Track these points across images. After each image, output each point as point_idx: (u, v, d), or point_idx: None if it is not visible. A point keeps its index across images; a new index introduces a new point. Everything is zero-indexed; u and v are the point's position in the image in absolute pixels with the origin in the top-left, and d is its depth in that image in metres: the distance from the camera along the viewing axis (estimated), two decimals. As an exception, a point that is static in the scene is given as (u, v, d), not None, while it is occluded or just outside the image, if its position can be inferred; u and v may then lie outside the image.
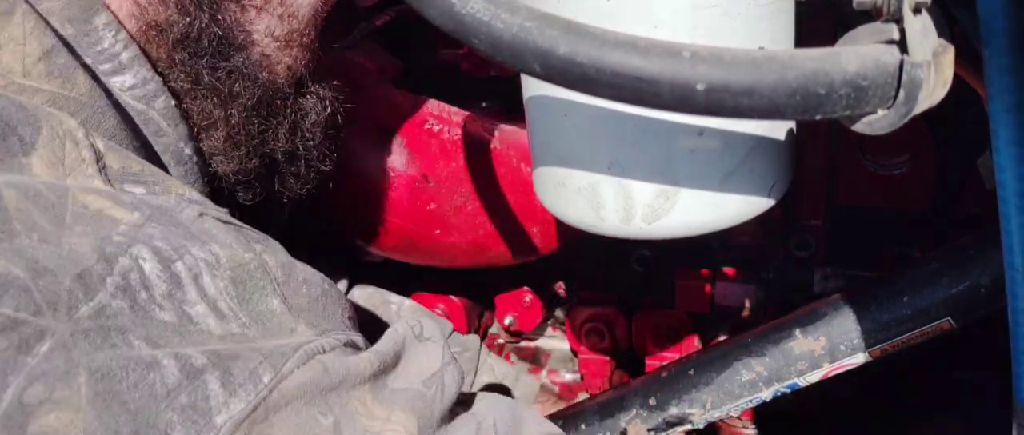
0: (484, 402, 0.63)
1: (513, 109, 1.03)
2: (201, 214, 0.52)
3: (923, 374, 0.99)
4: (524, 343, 1.23)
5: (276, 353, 0.48)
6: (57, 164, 0.49)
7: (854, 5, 0.43)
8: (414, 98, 0.92)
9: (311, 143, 0.71)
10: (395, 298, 1.01)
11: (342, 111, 0.73)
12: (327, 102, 0.71)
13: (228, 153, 0.66)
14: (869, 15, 0.43)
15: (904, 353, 0.69)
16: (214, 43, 0.62)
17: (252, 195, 0.70)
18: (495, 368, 1.03)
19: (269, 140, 0.68)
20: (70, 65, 0.54)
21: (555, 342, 1.23)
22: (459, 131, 0.90)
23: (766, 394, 0.72)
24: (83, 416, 0.41)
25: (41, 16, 0.54)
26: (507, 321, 1.18)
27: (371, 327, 0.99)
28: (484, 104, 1.03)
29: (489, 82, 1.04)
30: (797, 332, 0.70)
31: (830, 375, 0.70)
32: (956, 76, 0.46)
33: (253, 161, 0.67)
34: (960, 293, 0.64)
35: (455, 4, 0.44)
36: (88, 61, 0.56)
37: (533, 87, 0.62)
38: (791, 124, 0.62)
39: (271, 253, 0.53)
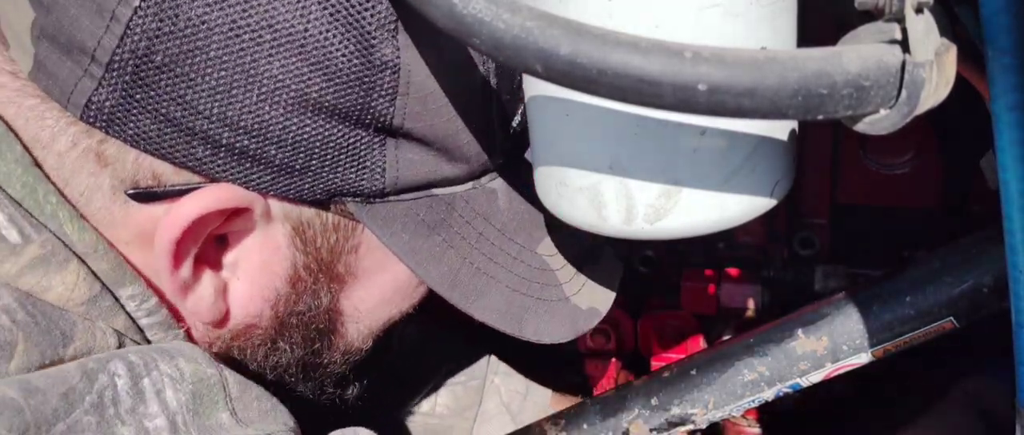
0: None
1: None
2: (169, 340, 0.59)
3: (926, 373, 0.99)
4: (528, 344, 1.23)
5: None
6: (85, 352, 0.53)
7: (856, 5, 0.43)
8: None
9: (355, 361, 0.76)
10: None
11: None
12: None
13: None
14: (870, 15, 0.43)
15: (909, 352, 0.68)
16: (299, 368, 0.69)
17: None
18: (502, 389, 1.02)
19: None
20: (114, 309, 0.58)
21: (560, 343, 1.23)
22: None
23: (768, 394, 0.72)
24: None
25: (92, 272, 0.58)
26: (511, 322, 1.18)
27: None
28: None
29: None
30: (799, 332, 0.70)
31: (833, 375, 0.70)
32: (959, 75, 0.46)
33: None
34: (962, 293, 0.64)
35: (457, 4, 0.44)
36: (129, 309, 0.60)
37: (534, 87, 0.62)
38: (793, 124, 0.62)
39: (231, 372, 0.58)
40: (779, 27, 0.57)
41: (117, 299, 0.58)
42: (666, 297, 1.08)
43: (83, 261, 0.57)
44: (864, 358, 0.69)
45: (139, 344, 0.59)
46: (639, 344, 1.10)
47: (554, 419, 0.82)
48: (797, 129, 0.63)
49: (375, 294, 0.69)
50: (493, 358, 1.05)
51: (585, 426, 0.79)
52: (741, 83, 0.41)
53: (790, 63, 0.41)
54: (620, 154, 0.57)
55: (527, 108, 0.65)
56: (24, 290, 0.54)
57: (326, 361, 0.71)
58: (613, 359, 1.12)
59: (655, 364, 1.08)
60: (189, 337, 0.64)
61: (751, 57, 0.41)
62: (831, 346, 0.69)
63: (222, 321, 0.63)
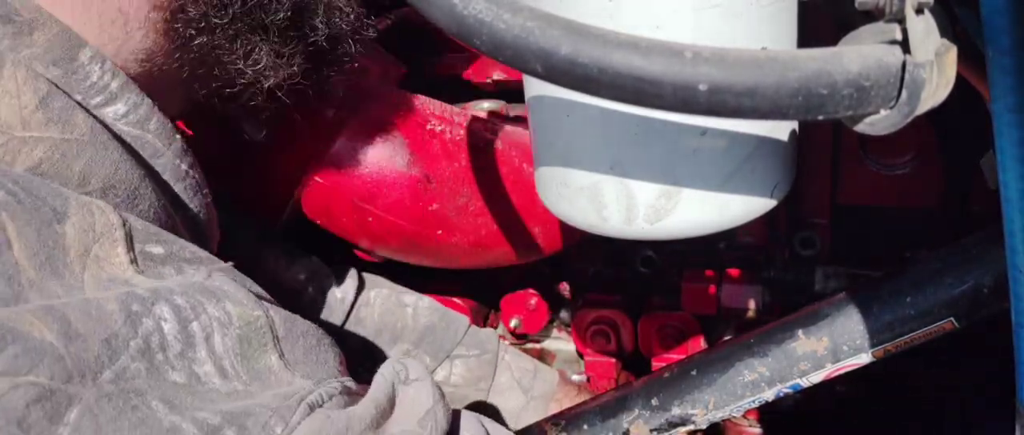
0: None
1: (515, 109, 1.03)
2: (210, 274, 0.55)
3: (928, 373, 0.99)
4: (530, 345, 1.23)
5: (283, 407, 0.50)
6: (88, 230, 0.51)
7: (856, 5, 0.43)
8: (417, 99, 0.92)
9: (351, 16, 0.71)
10: (410, 298, 1.02)
11: None
12: None
13: (276, 66, 0.67)
14: (871, 15, 0.43)
15: (909, 352, 0.68)
16: None
17: (287, 111, 0.71)
18: (512, 365, 1.03)
19: (309, 34, 0.69)
20: (67, 106, 0.55)
21: (561, 343, 1.23)
22: (462, 131, 0.90)
23: (768, 394, 0.72)
24: None
25: (27, 65, 0.54)
26: (513, 323, 1.18)
27: (386, 334, 0.99)
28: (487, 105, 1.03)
29: (491, 85, 1.04)
30: (800, 332, 0.70)
31: (833, 376, 0.70)
32: (959, 75, 0.46)
33: (298, 60, 0.69)
34: (962, 293, 0.64)
35: (457, 5, 0.44)
36: (79, 98, 0.57)
37: (535, 87, 0.62)
38: (794, 124, 0.62)
39: (276, 309, 0.55)
40: (779, 27, 0.57)
41: (67, 92, 0.55)
42: (666, 297, 1.08)
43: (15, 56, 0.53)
44: (864, 358, 0.69)
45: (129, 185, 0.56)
46: (639, 344, 1.10)
47: (554, 419, 0.82)
48: (797, 130, 0.63)
49: None
50: (501, 342, 1.05)
51: (585, 427, 0.79)
52: (742, 83, 0.41)
53: (791, 63, 0.41)
54: (621, 154, 0.58)
55: (528, 108, 0.65)
56: None
57: None
58: (613, 359, 1.12)
59: (655, 364, 1.08)
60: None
61: (752, 57, 0.41)
62: (831, 346, 0.69)
63: None
